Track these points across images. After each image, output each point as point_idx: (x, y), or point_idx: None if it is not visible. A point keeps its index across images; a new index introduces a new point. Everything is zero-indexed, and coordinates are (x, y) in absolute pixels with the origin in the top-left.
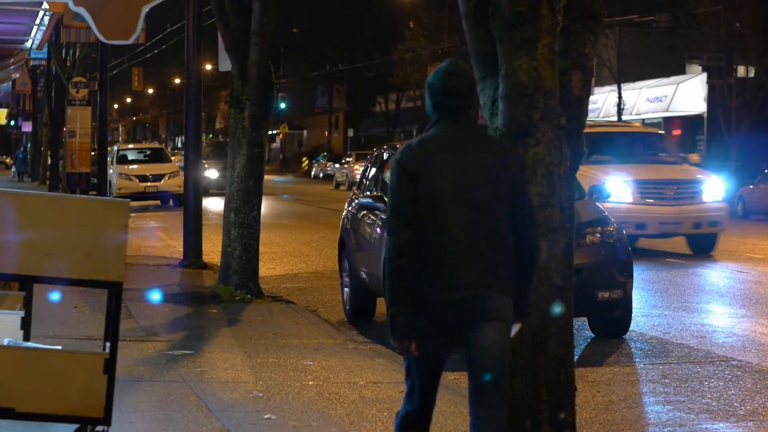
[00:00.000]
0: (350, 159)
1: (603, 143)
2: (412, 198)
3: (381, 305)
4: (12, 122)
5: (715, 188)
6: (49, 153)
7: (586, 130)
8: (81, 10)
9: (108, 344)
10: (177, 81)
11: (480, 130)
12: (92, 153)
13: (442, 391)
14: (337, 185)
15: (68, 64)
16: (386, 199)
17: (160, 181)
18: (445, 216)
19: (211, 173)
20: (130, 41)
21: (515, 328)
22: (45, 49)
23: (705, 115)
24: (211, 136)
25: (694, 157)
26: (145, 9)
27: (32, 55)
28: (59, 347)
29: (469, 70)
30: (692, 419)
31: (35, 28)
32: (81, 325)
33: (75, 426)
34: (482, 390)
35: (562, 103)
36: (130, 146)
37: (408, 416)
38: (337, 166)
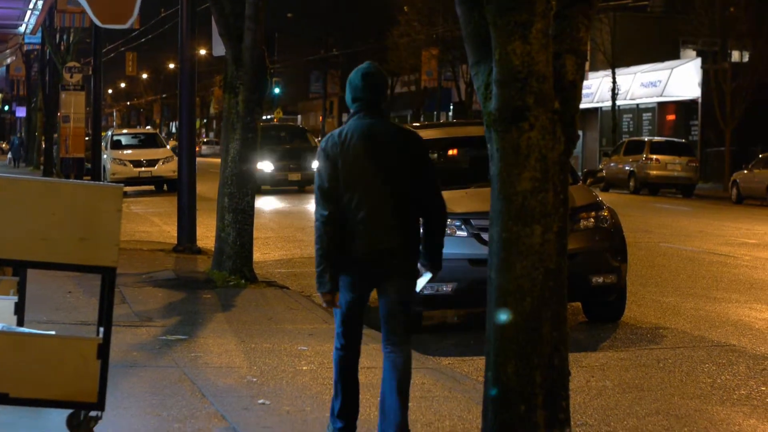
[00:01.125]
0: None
1: None
2: (334, 178)
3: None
4: (6, 107)
5: None
6: (43, 138)
7: None
8: None
9: (102, 329)
10: (171, 66)
11: (389, 121)
12: (86, 138)
13: (435, 375)
14: None
15: (62, 48)
16: None
17: (154, 166)
18: (361, 192)
19: (265, 165)
20: (127, 26)
21: (425, 278)
22: (39, 34)
23: (699, 100)
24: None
25: None
26: None
27: (26, 40)
28: (53, 332)
29: (383, 71)
30: (686, 404)
31: (29, 12)
32: (75, 310)
33: (68, 411)
34: (393, 329)
35: (555, 87)
36: (124, 131)
37: (342, 353)
38: None
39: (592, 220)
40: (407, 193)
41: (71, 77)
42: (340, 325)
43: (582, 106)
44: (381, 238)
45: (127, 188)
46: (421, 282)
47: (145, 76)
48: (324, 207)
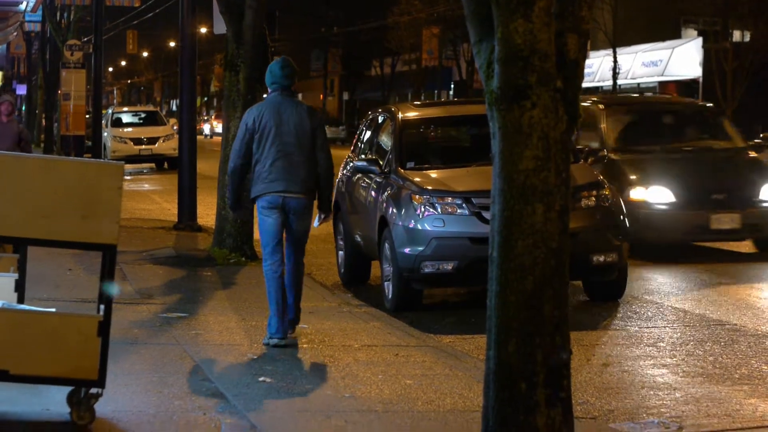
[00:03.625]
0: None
1: None
2: (247, 140)
3: (375, 268)
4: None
5: None
6: (43, 116)
7: None
8: None
9: (102, 307)
10: (172, 44)
11: (297, 100)
12: (87, 116)
13: (436, 353)
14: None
15: (63, 26)
16: (381, 163)
17: (155, 143)
18: (269, 149)
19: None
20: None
21: (321, 218)
22: (39, 12)
23: (700, 80)
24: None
25: None
26: None
27: (27, 18)
28: (53, 310)
29: (294, 63)
30: (687, 383)
31: None
32: (75, 288)
33: (69, 388)
34: (294, 249)
35: (558, 66)
36: (125, 109)
37: (268, 269)
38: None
39: (594, 198)
40: (305, 152)
41: (72, 55)
42: (268, 244)
43: (583, 85)
44: (283, 183)
45: (128, 166)
46: (316, 221)
47: (145, 54)
48: (236, 161)
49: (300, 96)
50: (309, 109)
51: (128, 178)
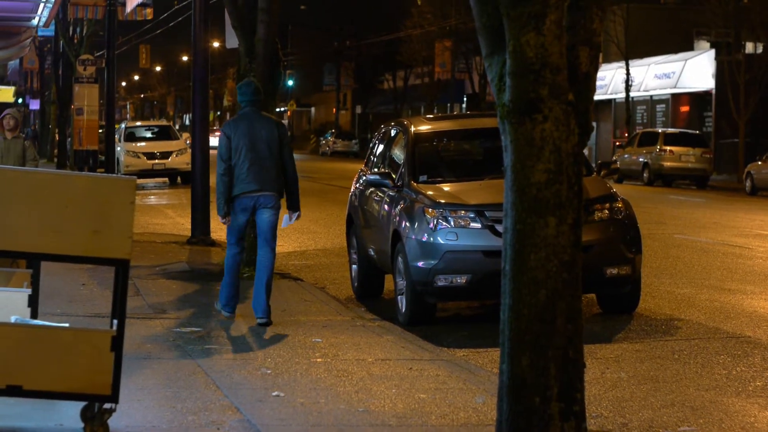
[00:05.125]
0: None
1: None
2: (228, 148)
3: (389, 282)
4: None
5: None
6: (56, 131)
7: None
8: None
9: (115, 321)
10: (184, 58)
11: (263, 114)
12: (100, 130)
13: (450, 367)
14: None
15: (75, 41)
16: (393, 176)
17: (168, 158)
18: (245, 157)
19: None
20: None
21: (287, 217)
22: (52, 27)
23: (713, 92)
24: (218, 113)
25: None
26: None
27: (39, 33)
28: (66, 325)
29: (259, 84)
30: (701, 396)
31: (42, 5)
32: (89, 303)
33: (83, 403)
34: (264, 243)
35: (569, 79)
36: (138, 123)
37: (232, 257)
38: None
39: (607, 211)
40: (274, 159)
41: (85, 70)
42: (233, 238)
43: (596, 97)
44: (256, 184)
45: (141, 180)
46: (285, 219)
47: (158, 68)
48: (222, 166)
49: (313, 110)
50: (276, 122)
51: (141, 192)
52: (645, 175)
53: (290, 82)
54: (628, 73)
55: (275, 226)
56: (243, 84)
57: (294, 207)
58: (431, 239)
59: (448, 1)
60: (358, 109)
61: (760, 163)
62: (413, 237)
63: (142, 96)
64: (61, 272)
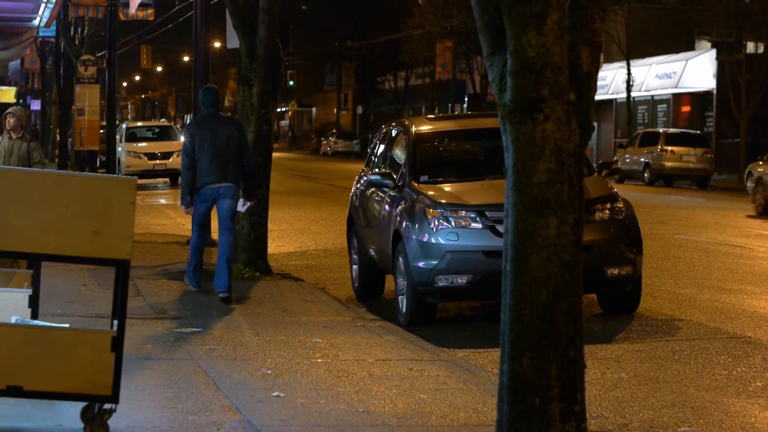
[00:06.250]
0: None
1: None
2: (193, 145)
3: (390, 282)
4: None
5: None
6: (57, 131)
7: None
8: None
9: (116, 322)
10: (185, 59)
11: (222, 115)
12: (101, 131)
13: (450, 367)
14: None
15: (76, 41)
16: (394, 177)
17: (169, 158)
18: (207, 151)
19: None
20: None
21: (246, 205)
22: (53, 27)
23: (714, 92)
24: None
25: None
26: None
27: (40, 33)
28: (67, 325)
29: (217, 89)
30: (702, 396)
31: (43, 5)
32: (89, 303)
33: (83, 404)
34: (223, 228)
35: (570, 78)
36: (139, 124)
37: (196, 242)
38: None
39: (608, 211)
40: (233, 154)
41: (86, 70)
42: (196, 225)
43: (597, 97)
44: (216, 176)
45: (142, 181)
46: (240, 203)
47: (159, 68)
48: (186, 161)
49: (314, 110)
50: (235, 122)
51: (142, 192)
52: (646, 175)
53: (291, 82)
54: (629, 73)
55: (233, 213)
56: (205, 90)
57: (249, 196)
58: (432, 239)
59: (449, 1)
60: (359, 110)
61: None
62: (414, 237)
63: (143, 96)
64: (62, 273)
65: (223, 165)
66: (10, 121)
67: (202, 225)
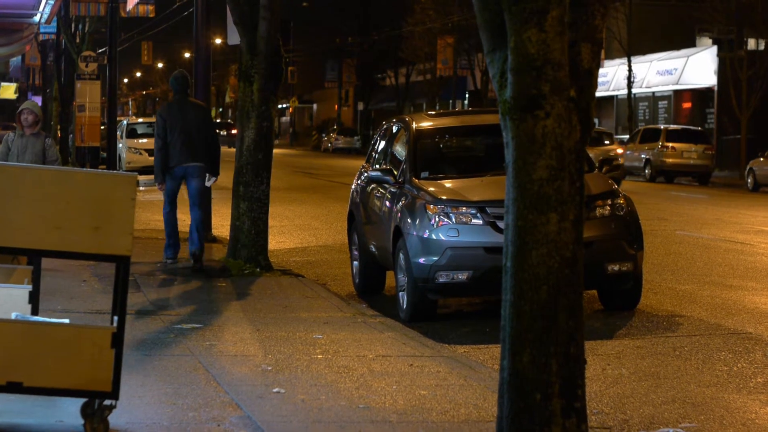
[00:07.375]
0: None
1: None
2: (164, 128)
3: (390, 278)
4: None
5: None
6: (59, 127)
7: None
8: None
9: (116, 318)
10: (186, 55)
11: (191, 99)
12: (102, 127)
13: (451, 364)
14: None
15: (77, 38)
16: (395, 173)
17: None
18: (177, 135)
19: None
20: None
21: (212, 180)
22: (54, 23)
23: (715, 88)
24: (220, 110)
25: None
26: None
27: (41, 30)
28: (67, 321)
29: (188, 74)
30: (703, 392)
31: (44, 1)
32: (89, 299)
33: (83, 400)
34: (193, 204)
35: (571, 75)
36: (140, 120)
37: (167, 213)
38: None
39: (608, 208)
40: (202, 136)
41: (86, 66)
42: (167, 198)
43: (598, 94)
44: (186, 156)
45: (142, 177)
46: (208, 180)
47: (160, 65)
48: (159, 143)
49: (315, 106)
50: (202, 106)
51: (142, 189)
52: (647, 171)
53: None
54: (630, 70)
55: (202, 191)
56: (174, 77)
57: (213, 172)
58: (433, 235)
59: None
60: (360, 106)
61: (762, 159)
62: (415, 233)
63: (144, 93)
64: (62, 269)
65: (192, 146)
66: (29, 118)
67: (172, 199)
